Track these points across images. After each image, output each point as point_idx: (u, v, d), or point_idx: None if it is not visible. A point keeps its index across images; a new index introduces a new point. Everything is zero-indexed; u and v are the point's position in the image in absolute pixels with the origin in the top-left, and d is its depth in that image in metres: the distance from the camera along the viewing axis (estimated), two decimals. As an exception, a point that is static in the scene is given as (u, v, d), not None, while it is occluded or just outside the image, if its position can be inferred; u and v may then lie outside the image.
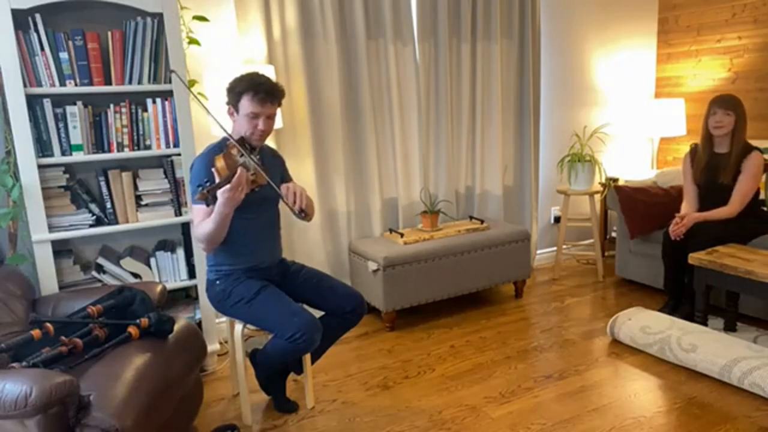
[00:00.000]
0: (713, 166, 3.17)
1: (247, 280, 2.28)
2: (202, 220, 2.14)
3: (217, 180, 2.03)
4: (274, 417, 2.46)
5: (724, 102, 3.08)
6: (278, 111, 2.92)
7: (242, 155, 2.12)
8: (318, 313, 2.43)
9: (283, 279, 2.42)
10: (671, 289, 3.26)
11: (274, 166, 2.42)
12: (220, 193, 2.00)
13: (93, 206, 2.62)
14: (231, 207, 2.06)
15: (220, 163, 2.07)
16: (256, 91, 2.16)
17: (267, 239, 2.37)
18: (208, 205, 2.04)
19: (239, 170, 2.01)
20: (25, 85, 2.38)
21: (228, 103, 2.25)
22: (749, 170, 3.05)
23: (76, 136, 2.52)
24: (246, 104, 2.17)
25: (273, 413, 2.49)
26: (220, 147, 2.23)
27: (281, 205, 2.47)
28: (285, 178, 2.49)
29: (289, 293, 2.32)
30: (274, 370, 2.44)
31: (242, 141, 2.17)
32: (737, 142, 3.08)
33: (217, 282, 2.32)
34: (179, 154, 2.70)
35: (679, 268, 3.17)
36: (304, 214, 2.24)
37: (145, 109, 2.64)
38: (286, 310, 2.18)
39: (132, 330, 2.00)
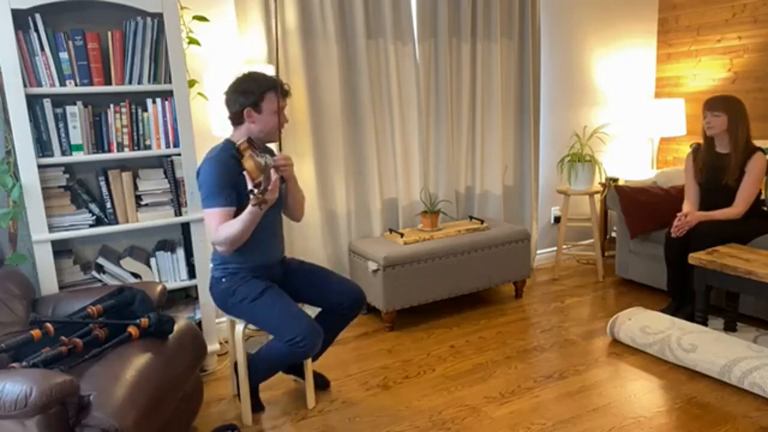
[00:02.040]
0: (716, 166, 3.17)
1: (252, 280, 2.28)
2: (221, 223, 2.15)
3: (251, 181, 2.04)
4: (274, 417, 2.46)
5: (712, 104, 3.10)
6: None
7: (259, 155, 2.13)
8: (317, 310, 2.44)
9: (285, 277, 2.42)
10: (674, 290, 3.25)
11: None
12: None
13: (93, 206, 2.62)
14: (265, 208, 2.09)
15: (249, 164, 2.06)
16: (277, 87, 2.23)
17: (271, 237, 2.38)
18: (261, 209, 2.05)
19: (272, 171, 2.05)
20: (25, 85, 2.38)
21: (243, 106, 2.22)
22: (753, 172, 3.05)
23: (76, 136, 2.52)
24: (271, 100, 2.22)
25: (273, 413, 2.49)
26: (227, 149, 2.24)
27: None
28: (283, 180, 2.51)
29: (290, 292, 2.33)
30: (267, 375, 2.41)
31: (250, 141, 2.17)
32: (737, 142, 3.08)
33: (223, 280, 2.32)
34: (179, 154, 2.70)
35: (682, 268, 3.17)
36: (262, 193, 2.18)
37: (145, 109, 2.64)
38: (288, 312, 2.19)
39: (132, 330, 2.00)
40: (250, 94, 2.20)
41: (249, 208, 2.06)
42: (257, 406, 2.48)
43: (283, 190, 2.37)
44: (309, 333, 2.13)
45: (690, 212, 3.12)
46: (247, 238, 2.17)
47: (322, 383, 2.64)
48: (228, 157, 2.21)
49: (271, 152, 2.46)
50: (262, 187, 2.01)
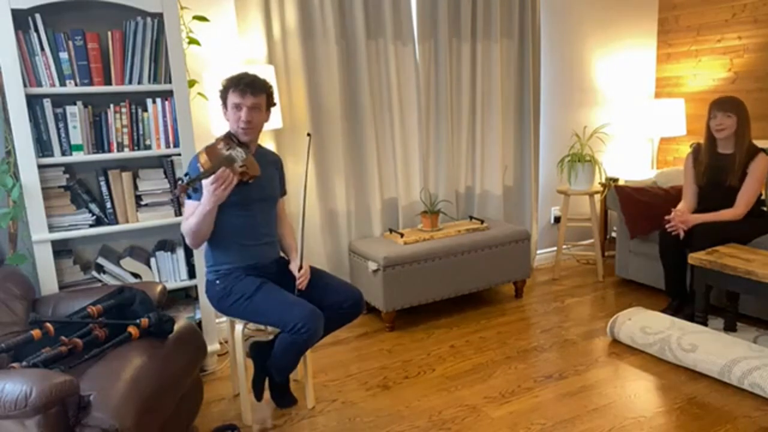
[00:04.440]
0: (717, 168, 3.16)
1: (246, 278, 2.29)
2: (191, 215, 2.20)
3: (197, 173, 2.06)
4: (274, 417, 2.46)
5: (723, 104, 3.08)
6: (278, 111, 2.94)
7: (228, 148, 2.15)
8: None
9: (282, 277, 2.42)
10: (673, 290, 3.25)
11: (272, 170, 2.43)
12: (204, 186, 2.05)
13: (93, 206, 2.62)
14: (214, 202, 2.12)
15: (203, 157, 2.11)
16: (237, 83, 2.25)
17: (264, 237, 2.38)
18: (189, 198, 2.09)
19: (222, 166, 2.05)
20: (25, 85, 2.38)
21: (222, 105, 2.33)
22: (755, 174, 3.05)
23: (76, 136, 2.52)
24: (230, 97, 2.27)
25: (273, 413, 2.49)
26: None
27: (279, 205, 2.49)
28: (282, 186, 2.52)
29: (288, 291, 2.33)
30: (288, 367, 2.38)
31: (228, 135, 2.24)
32: (742, 143, 3.08)
33: (217, 282, 2.32)
34: (179, 154, 2.70)
35: (678, 268, 3.17)
36: (298, 292, 2.35)
37: (145, 109, 2.64)
38: (286, 302, 2.20)
39: (132, 330, 2.00)
40: (221, 91, 2.30)
41: (201, 201, 2.11)
42: (289, 400, 2.49)
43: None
44: (308, 318, 2.14)
45: (684, 211, 3.13)
46: (207, 233, 2.22)
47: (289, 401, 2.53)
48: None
49: (276, 160, 2.49)
50: (191, 177, 2.03)
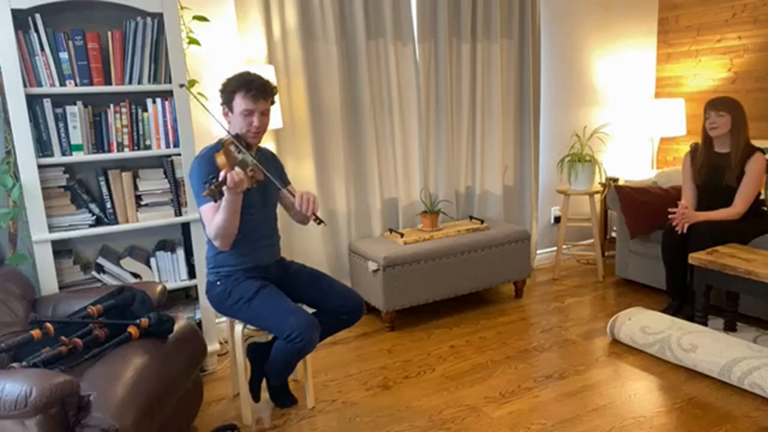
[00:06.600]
0: (715, 166, 3.17)
1: (246, 280, 2.28)
2: (214, 216, 2.15)
3: (221, 176, 2.05)
4: (274, 417, 2.46)
5: (716, 104, 3.10)
6: (278, 111, 2.95)
7: (240, 152, 2.13)
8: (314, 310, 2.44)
9: (283, 278, 2.42)
10: (673, 289, 3.25)
11: (274, 168, 2.42)
12: (225, 188, 2.02)
13: (93, 206, 2.62)
14: (237, 196, 2.07)
15: (220, 159, 2.09)
16: (248, 88, 2.18)
17: (266, 239, 2.38)
18: (216, 201, 2.06)
19: (236, 168, 2.03)
20: (25, 85, 2.38)
21: (222, 104, 2.27)
22: (752, 173, 3.05)
23: (76, 136, 2.52)
24: (239, 102, 2.19)
25: (273, 413, 2.49)
26: (217, 147, 2.24)
27: (280, 209, 2.48)
28: (284, 178, 2.50)
29: (289, 293, 2.33)
30: (285, 372, 2.39)
31: (237, 138, 2.20)
32: (738, 142, 3.09)
33: (218, 283, 2.32)
34: (179, 154, 2.70)
35: (679, 268, 3.17)
36: (319, 220, 2.20)
37: (145, 109, 2.64)
38: (283, 309, 2.19)
39: (132, 330, 2.00)
40: (225, 92, 2.23)
41: (225, 196, 2.07)
42: (288, 400, 2.51)
43: (279, 195, 2.37)
44: (305, 328, 2.13)
45: (688, 206, 3.13)
46: (236, 226, 2.15)
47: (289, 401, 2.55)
48: (215, 154, 2.22)
49: (276, 159, 2.47)
50: (218, 180, 2.01)
